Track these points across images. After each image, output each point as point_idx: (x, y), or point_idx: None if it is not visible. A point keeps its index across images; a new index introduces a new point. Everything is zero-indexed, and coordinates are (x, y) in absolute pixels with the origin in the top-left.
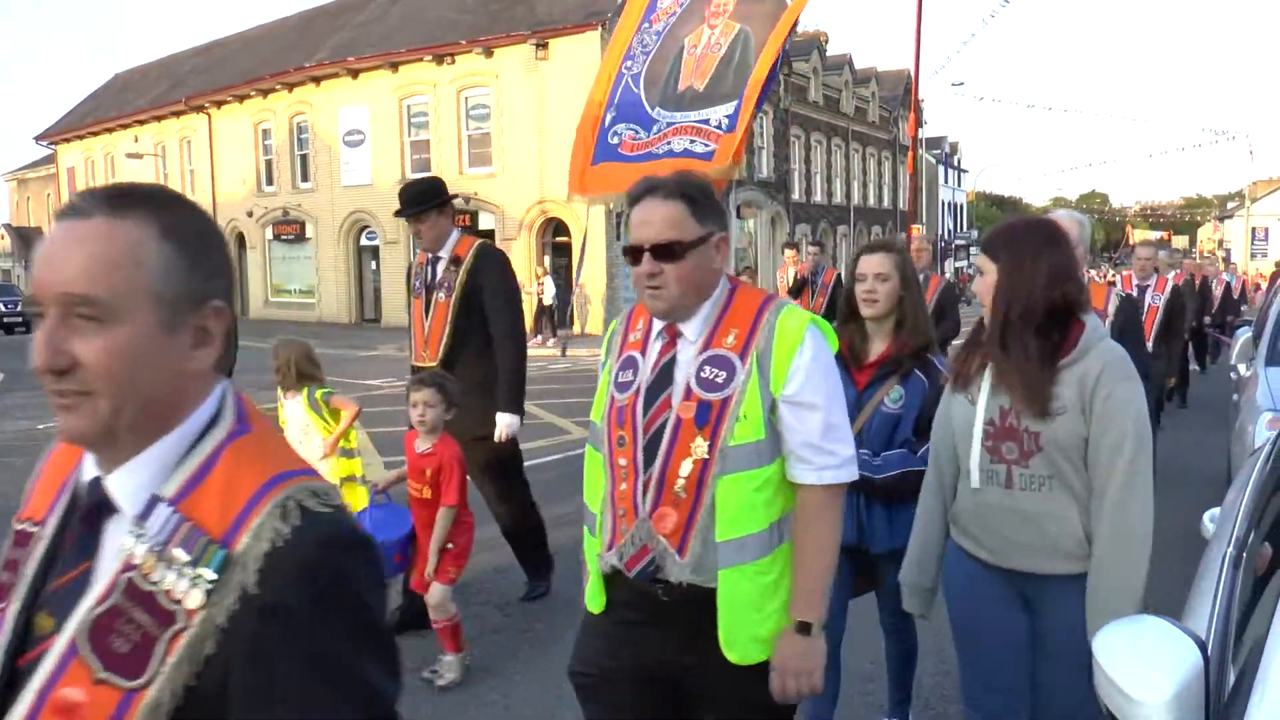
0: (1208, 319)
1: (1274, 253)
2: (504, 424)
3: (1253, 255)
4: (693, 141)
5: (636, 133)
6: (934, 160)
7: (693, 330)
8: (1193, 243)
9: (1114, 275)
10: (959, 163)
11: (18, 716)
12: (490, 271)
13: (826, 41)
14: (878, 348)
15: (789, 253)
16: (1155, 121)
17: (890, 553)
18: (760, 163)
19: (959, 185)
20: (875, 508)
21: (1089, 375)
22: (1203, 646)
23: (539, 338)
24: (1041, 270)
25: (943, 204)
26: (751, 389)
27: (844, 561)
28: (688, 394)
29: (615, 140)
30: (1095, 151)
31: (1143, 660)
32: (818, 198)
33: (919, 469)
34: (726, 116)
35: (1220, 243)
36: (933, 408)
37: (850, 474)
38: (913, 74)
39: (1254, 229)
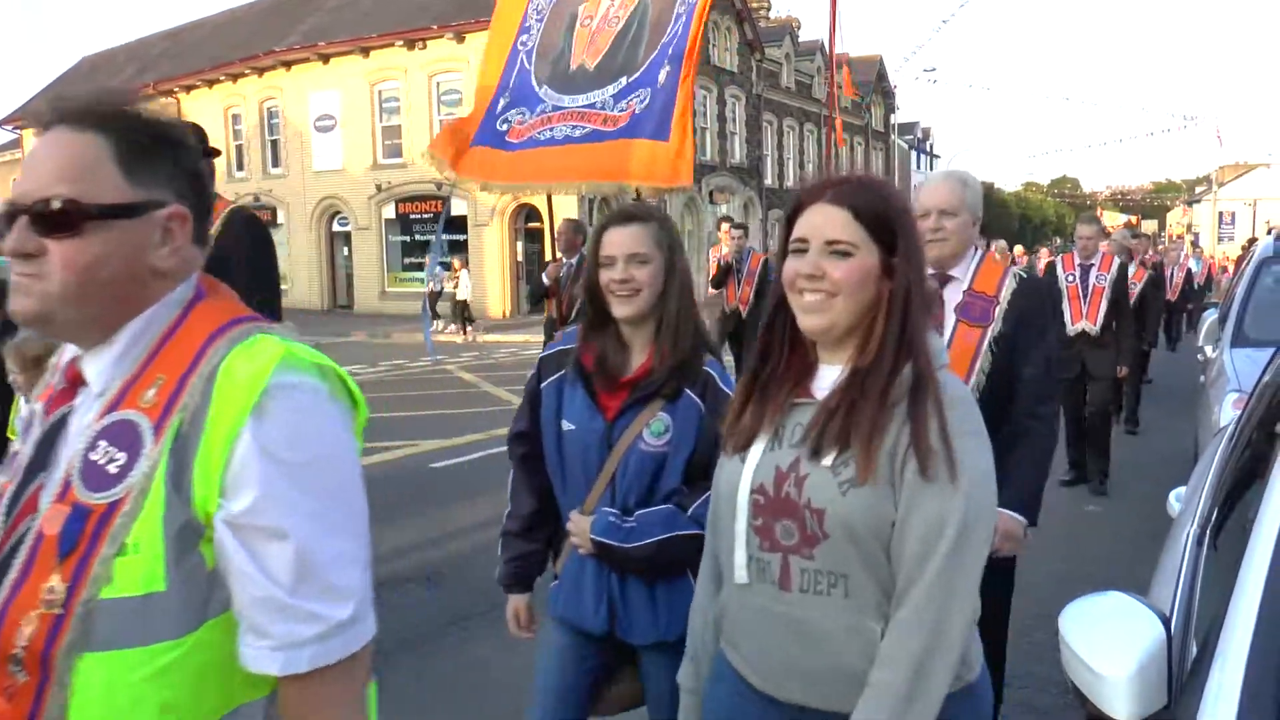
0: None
1: (1240, 237)
2: None
3: (1220, 239)
4: (574, 128)
5: (524, 116)
6: (906, 146)
7: (96, 369)
8: (1162, 227)
9: (1050, 257)
10: (931, 148)
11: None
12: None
13: (799, 28)
14: (638, 360)
15: (724, 228)
16: (1125, 107)
17: (658, 646)
18: (733, 148)
19: (931, 170)
20: (631, 585)
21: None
22: (1166, 622)
23: (452, 327)
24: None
25: (915, 189)
26: (154, 494)
27: (592, 656)
28: (64, 489)
29: (504, 127)
30: (1066, 137)
31: (1108, 635)
32: (790, 182)
33: (689, 533)
34: (637, 106)
35: (1189, 227)
36: (711, 446)
37: (344, 647)
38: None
39: (1221, 213)
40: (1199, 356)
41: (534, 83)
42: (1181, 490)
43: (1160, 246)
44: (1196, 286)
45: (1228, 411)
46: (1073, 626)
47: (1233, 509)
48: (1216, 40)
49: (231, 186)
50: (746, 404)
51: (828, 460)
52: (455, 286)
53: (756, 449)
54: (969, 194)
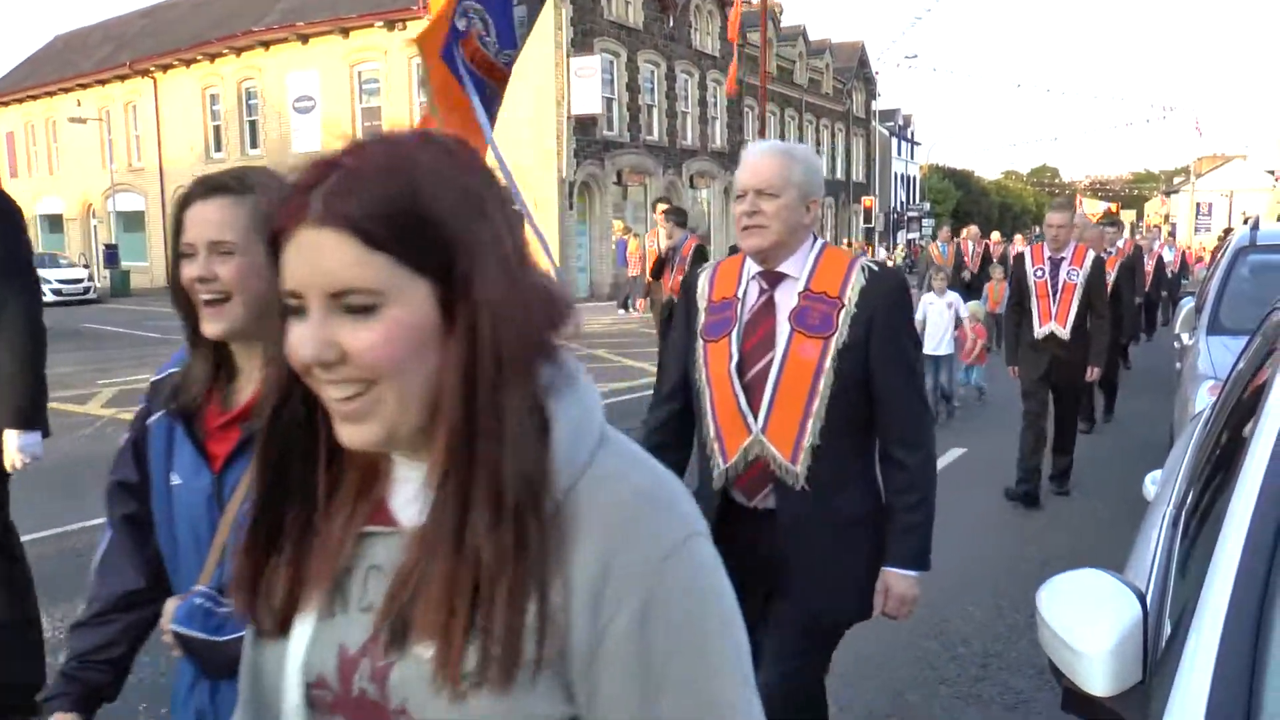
0: (1138, 299)
1: (1217, 227)
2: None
3: (1197, 229)
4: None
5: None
6: (887, 133)
7: None
8: (1140, 217)
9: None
10: (912, 135)
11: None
12: None
13: (781, 12)
14: (248, 388)
15: (658, 209)
16: (1105, 97)
17: None
18: (713, 133)
19: (912, 158)
20: (227, 695)
21: (584, 569)
22: (1142, 598)
23: None
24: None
25: (895, 176)
26: None
27: None
28: None
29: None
30: (1047, 126)
31: (1085, 611)
32: None
33: None
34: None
35: (1166, 217)
36: None
37: None
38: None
39: (1198, 204)
40: (1175, 344)
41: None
42: (1157, 474)
43: (1139, 236)
44: (1170, 275)
45: (1203, 398)
46: (1050, 603)
47: (1208, 492)
48: (1196, 32)
49: (209, 167)
50: (269, 546)
51: (421, 644)
52: None
53: (305, 621)
54: (797, 169)
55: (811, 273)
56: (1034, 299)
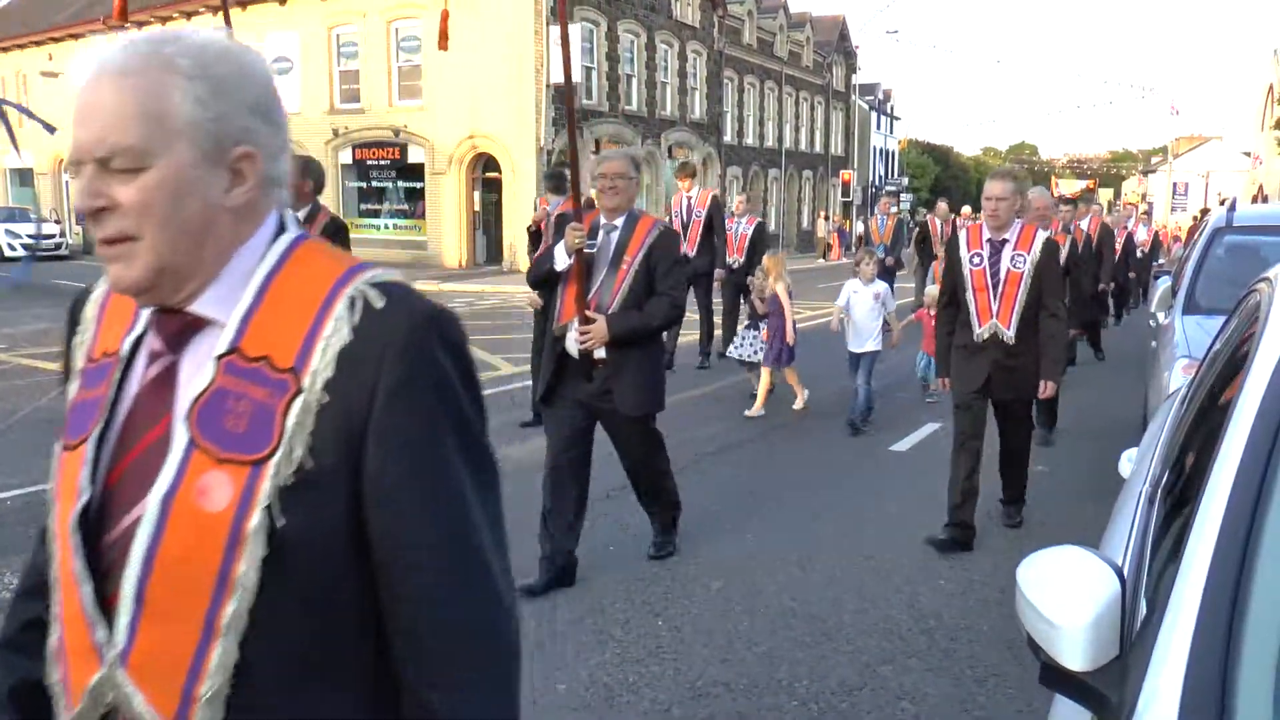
0: (1103, 284)
1: (1193, 207)
2: None
3: (1173, 209)
4: None
5: None
6: (867, 107)
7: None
8: (1118, 196)
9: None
10: (892, 110)
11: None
12: None
13: None
14: None
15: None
16: (1084, 75)
17: None
18: (692, 104)
19: (891, 132)
20: None
21: None
22: (1120, 574)
23: None
24: None
25: (874, 150)
26: None
27: None
28: None
29: None
30: (1027, 103)
31: (1064, 586)
32: (749, 140)
33: None
34: None
35: (1143, 196)
36: None
37: None
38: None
39: (1175, 184)
40: (1150, 323)
41: None
42: (1133, 452)
43: (1111, 214)
44: (1140, 255)
45: (1178, 377)
46: (1030, 579)
47: (1184, 470)
48: (1176, 14)
49: None
50: None
51: None
52: None
53: None
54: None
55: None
56: (970, 292)
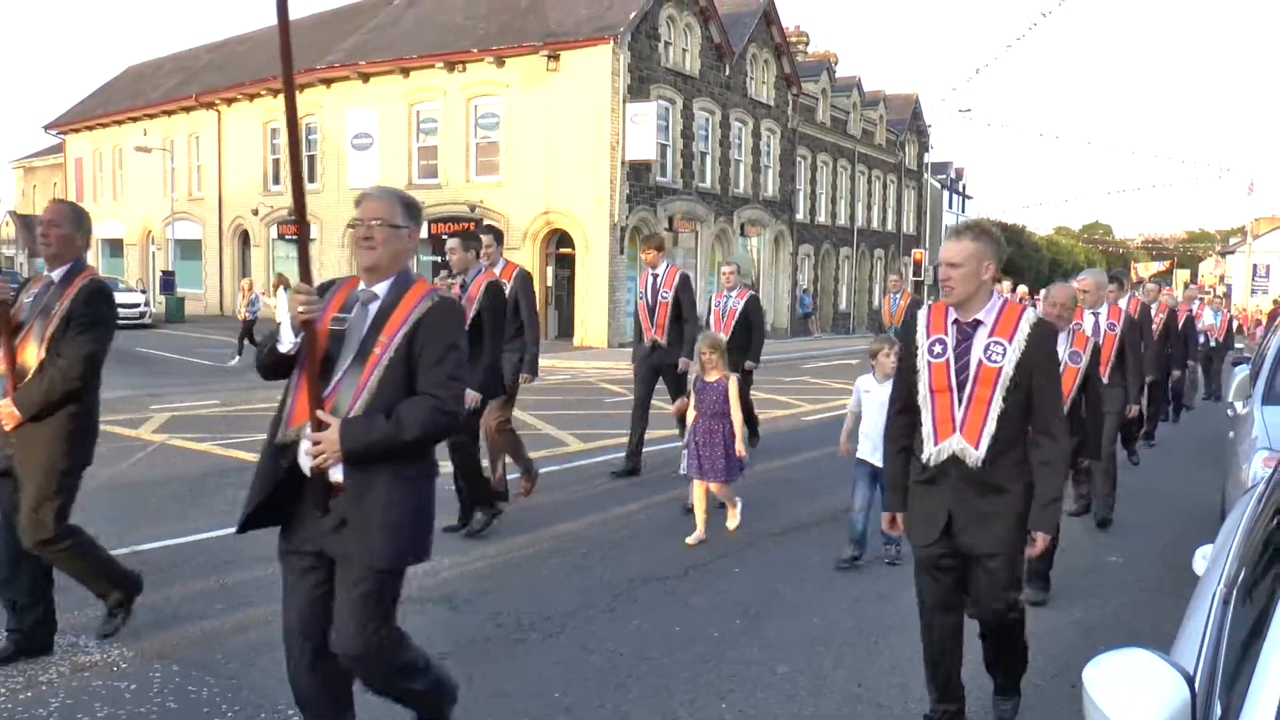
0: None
1: (1275, 290)
2: None
3: (1253, 291)
4: None
5: None
6: (939, 185)
7: None
8: (1194, 277)
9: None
10: (964, 188)
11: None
12: None
13: (836, 62)
14: None
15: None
16: (1160, 154)
17: None
18: (765, 181)
19: (963, 211)
20: None
21: None
22: (1190, 680)
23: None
24: None
25: (946, 229)
26: None
27: None
28: None
29: None
30: (1099, 182)
31: (1131, 691)
32: (821, 218)
33: None
34: None
35: (1221, 278)
36: None
37: None
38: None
39: (1255, 265)
40: (1228, 412)
41: None
42: (1208, 548)
43: (1161, 294)
44: (1213, 341)
45: (1257, 468)
46: (1096, 682)
47: (1261, 570)
48: (1254, 91)
49: (268, 200)
50: None
51: None
52: (274, 309)
53: None
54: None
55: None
56: (928, 394)
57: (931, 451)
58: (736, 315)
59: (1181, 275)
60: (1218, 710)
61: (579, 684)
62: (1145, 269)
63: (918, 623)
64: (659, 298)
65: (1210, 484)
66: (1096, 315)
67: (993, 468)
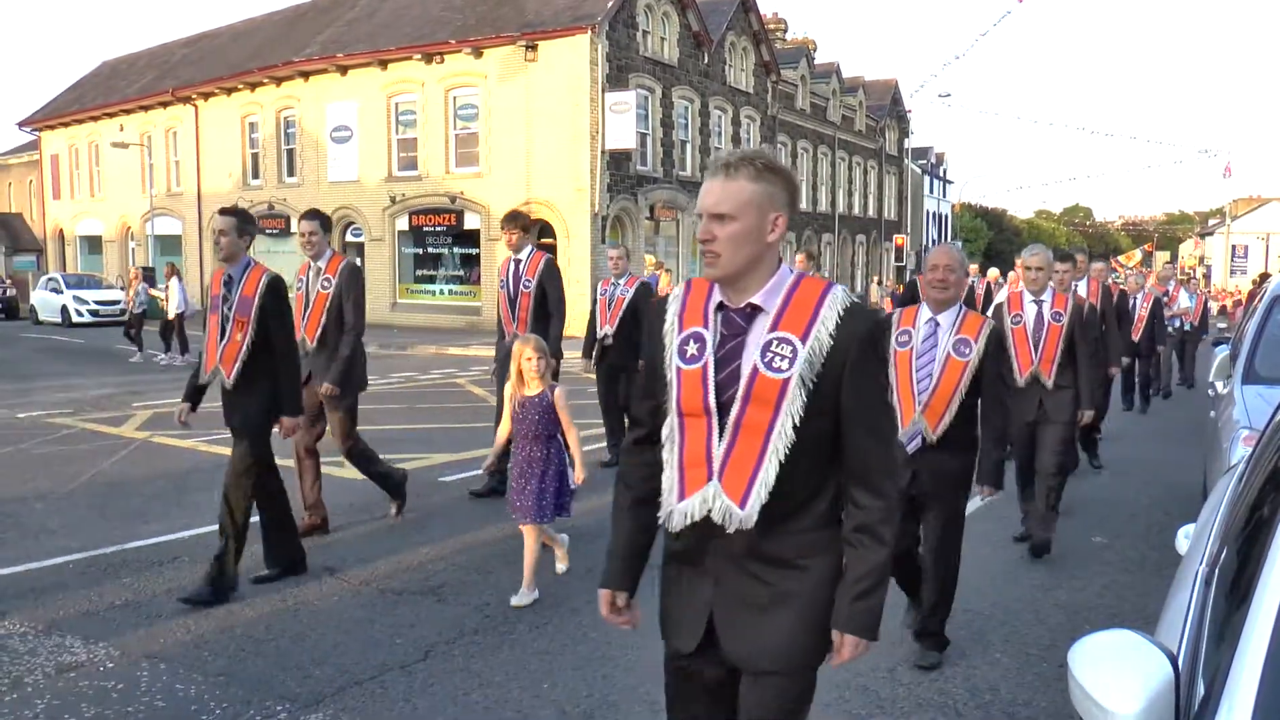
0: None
1: (1253, 270)
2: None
3: (1232, 272)
4: None
5: None
6: (920, 171)
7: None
8: (1174, 258)
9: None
10: (945, 174)
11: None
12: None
13: (815, 49)
14: None
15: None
16: (1139, 137)
17: None
18: None
19: (944, 196)
20: None
21: None
22: (1174, 660)
23: (162, 358)
24: None
25: (928, 214)
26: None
27: None
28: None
29: None
30: (1080, 165)
31: (1116, 671)
32: (803, 205)
33: None
34: None
35: (1201, 259)
36: None
37: None
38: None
39: (1234, 246)
40: (1210, 392)
41: None
42: (1190, 527)
43: (1120, 277)
44: (1188, 326)
45: (1238, 449)
46: (1081, 663)
47: (1243, 549)
48: (1234, 74)
49: (246, 194)
50: None
51: None
52: (165, 301)
53: None
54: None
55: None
56: (676, 421)
57: (675, 509)
58: (625, 306)
59: (1161, 257)
60: (1201, 689)
61: (566, 674)
62: (1128, 259)
63: (903, 607)
64: (520, 287)
65: (1193, 463)
66: (1040, 304)
67: (770, 535)
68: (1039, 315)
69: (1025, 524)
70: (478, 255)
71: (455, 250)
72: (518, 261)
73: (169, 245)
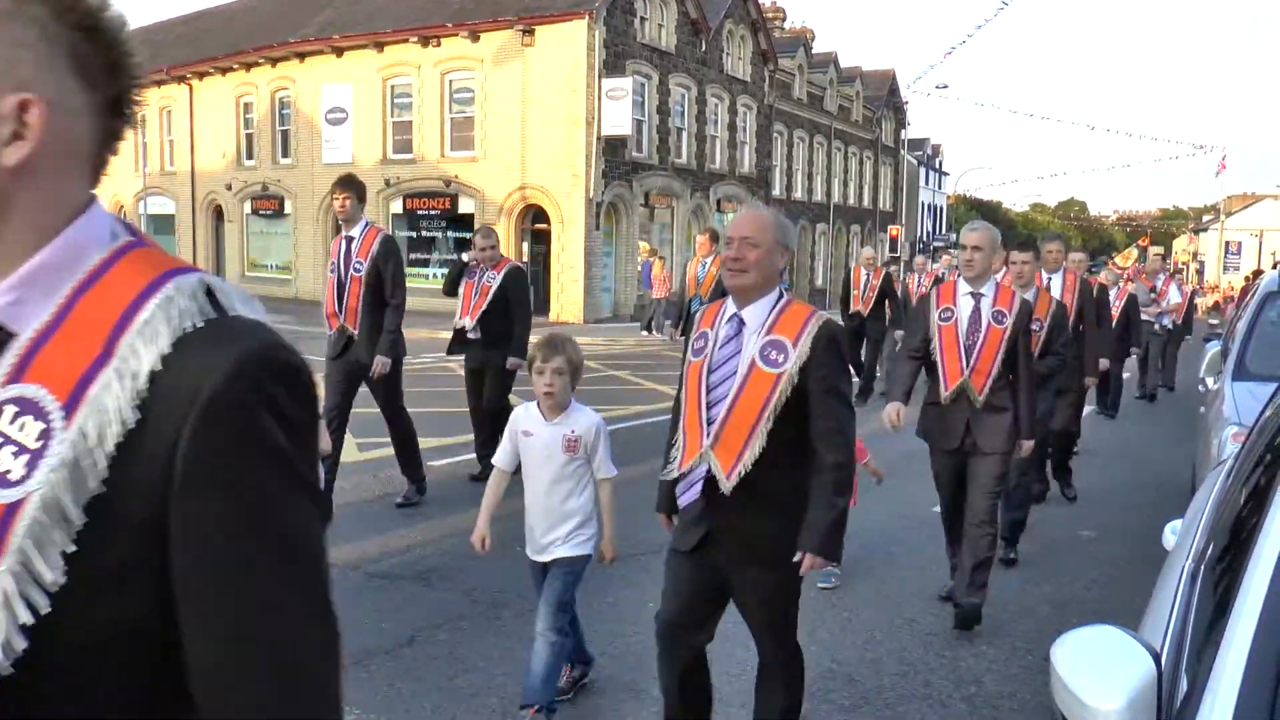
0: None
1: (1246, 267)
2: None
3: (1225, 268)
4: None
5: None
6: (916, 162)
7: None
8: (1168, 253)
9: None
10: (940, 165)
11: None
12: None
13: (813, 39)
14: None
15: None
16: (1134, 132)
17: None
18: (742, 157)
19: (940, 187)
20: None
21: None
22: (1157, 657)
23: None
24: None
25: (923, 205)
26: None
27: None
28: None
29: None
30: (1075, 159)
31: (1098, 668)
32: (798, 194)
33: None
34: None
35: (1195, 255)
36: None
37: None
38: None
39: (1228, 243)
40: (1199, 387)
41: None
42: (1177, 523)
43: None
44: (1171, 325)
45: (1226, 445)
46: (1064, 659)
47: (1229, 546)
48: (1229, 70)
49: (240, 175)
50: None
51: None
52: None
53: None
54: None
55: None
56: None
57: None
58: (491, 295)
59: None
60: (1184, 686)
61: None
62: (1125, 259)
63: (890, 598)
64: (351, 270)
65: (1183, 458)
66: (978, 298)
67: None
68: (975, 313)
69: (953, 581)
70: (472, 240)
71: (449, 234)
72: (349, 239)
73: (162, 224)
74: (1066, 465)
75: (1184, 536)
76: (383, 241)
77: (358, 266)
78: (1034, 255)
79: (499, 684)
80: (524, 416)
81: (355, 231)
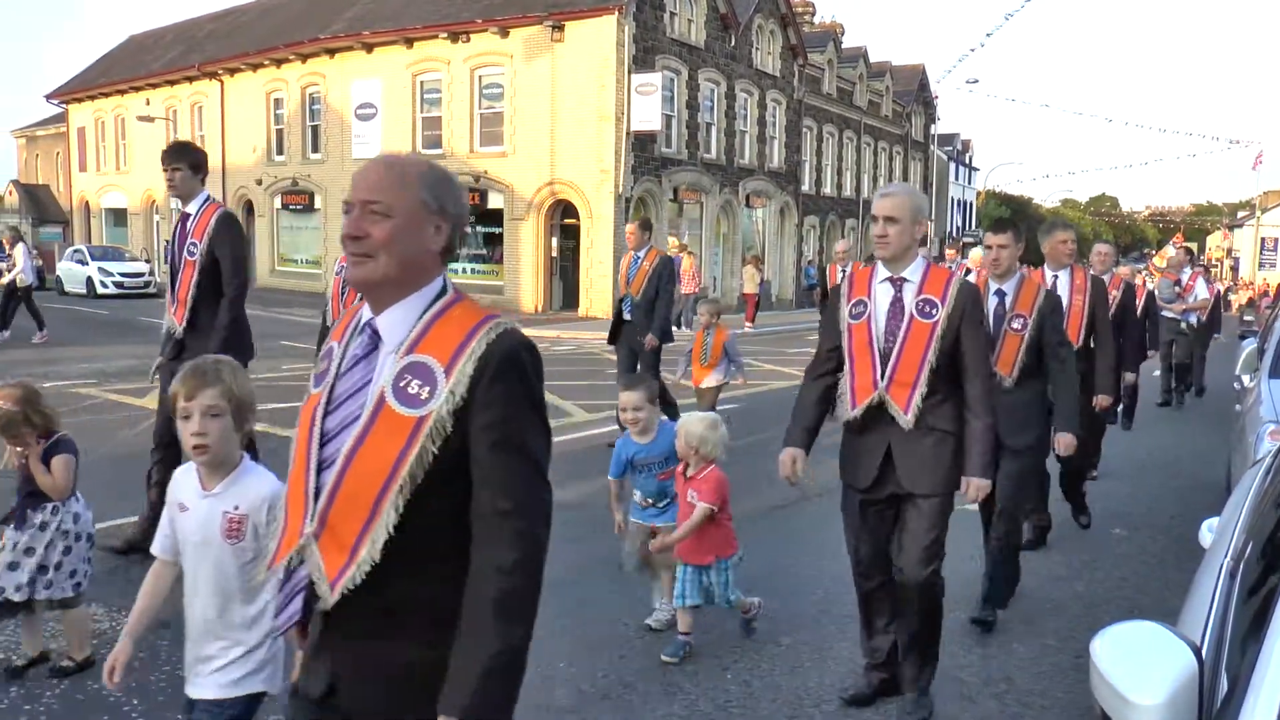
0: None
1: None
2: None
3: (1261, 265)
4: None
5: None
6: (945, 157)
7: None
8: (1201, 250)
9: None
10: (970, 160)
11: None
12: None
13: (843, 33)
14: None
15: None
16: (1167, 127)
17: None
18: (771, 152)
19: (969, 183)
20: None
21: None
22: (1198, 653)
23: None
24: None
25: (953, 201)
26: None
27: None
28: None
29: None
30: (1106, 154)
31: (1139, 663)
32: (827, 189)
33: None
34: None
35: (1229, 251)
36: None
37: None
38: None
39: (1263, 239)
40: (1236, 385)
41: None
42: (1214, 521)
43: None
44: (1196, 323)
45: (1264, 443)
46: (1105, 653)
47: (1268, 544)
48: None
49: (271, 170)
50: None
51: None
52: (9, 270)
53: None
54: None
55: None
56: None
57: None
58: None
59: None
60: (1224, 683)
61: (583, 654)
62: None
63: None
64: (184, 253)
65: (1216, 456)
66: (899, 285)
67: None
68: (896, 304)
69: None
70: (501, 235)
71: (478, 229)
72: (185, 217)
73: None
74: (1079, 490)
75: (1222, 534)
76: (220, 218)
77: (191, 249)
78: (1013, 237)
79: (529, 678)
80: (182, 481)
81: (192, 208)
